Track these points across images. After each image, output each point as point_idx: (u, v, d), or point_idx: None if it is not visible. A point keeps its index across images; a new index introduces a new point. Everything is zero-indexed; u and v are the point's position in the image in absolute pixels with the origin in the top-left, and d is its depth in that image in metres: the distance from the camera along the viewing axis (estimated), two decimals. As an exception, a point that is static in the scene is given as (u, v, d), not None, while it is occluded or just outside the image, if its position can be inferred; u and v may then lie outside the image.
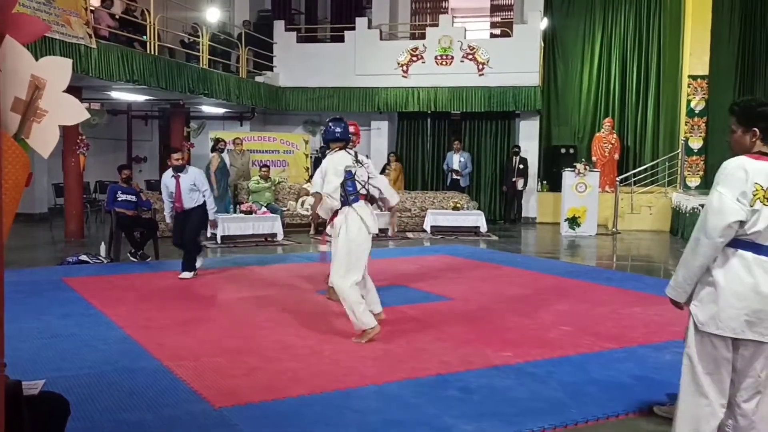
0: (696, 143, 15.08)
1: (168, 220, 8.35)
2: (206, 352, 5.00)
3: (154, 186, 15.37)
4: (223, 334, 5.55)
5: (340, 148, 5.63)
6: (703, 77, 15.02)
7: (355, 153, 5.68)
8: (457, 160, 15.08)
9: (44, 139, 2.11)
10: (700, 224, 2.96)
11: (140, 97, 13.59)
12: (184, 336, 5.46)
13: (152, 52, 11.58)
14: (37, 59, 2.09)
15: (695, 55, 14.99)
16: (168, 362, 4.73)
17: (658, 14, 15.81)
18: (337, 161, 5.51)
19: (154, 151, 17.44)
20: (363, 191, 5.56)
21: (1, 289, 1.67)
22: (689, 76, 15.06)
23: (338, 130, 5.65)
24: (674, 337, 5.24)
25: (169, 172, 8.15)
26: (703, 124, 15.06)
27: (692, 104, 15.06)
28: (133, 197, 9.45)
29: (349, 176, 5.44)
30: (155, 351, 5.01)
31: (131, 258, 9.31)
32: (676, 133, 15.46)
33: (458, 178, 15.02)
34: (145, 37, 11.84)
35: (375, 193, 5.93)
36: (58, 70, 2.15)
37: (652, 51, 15.90)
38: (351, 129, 6.00)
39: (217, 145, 12.79)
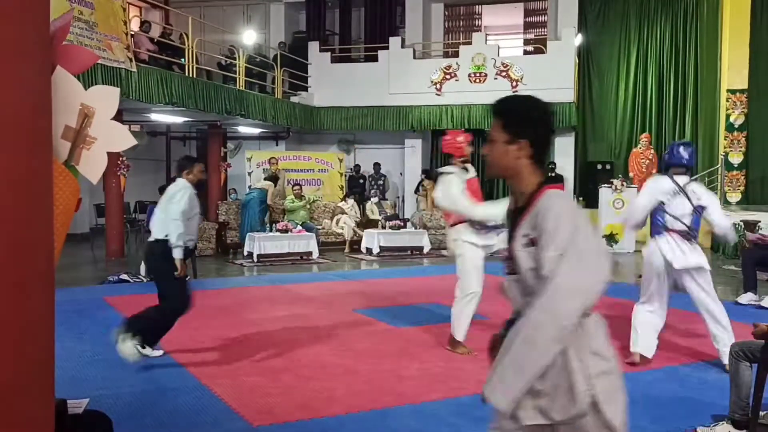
0: (736, 158, 14.81)
1: (178, 256, 5.26)
2: (244, 371, 5.05)
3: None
4: (260, 352, 5.60)
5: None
6: (742, 91, 14.78)
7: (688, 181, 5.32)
8: None
9: (93, 165, 2.18)
10: None
11: (179, 119, 13.86)
12: (222, 354, 5.53)
13: (190, 75, 11.83)
14: (81, 84, 2.18)
15: (734, 68, 14.77)
16: (207, 381, 4.80)
17: (695, 27, 15.63)
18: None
19: (192, 172, 17.68)
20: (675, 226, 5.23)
21: (51, 311, 1.73)
22: (728, 90, 14.83)
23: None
24: (718, 356, 5.14)
25: (190, 188, 5.50)
26: (743, 139, 14.80)
27: (731, 118, 14.82)
28: None
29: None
30: (194, 370, 5.08)
31: (170, 277, 9.43)
32: (715, 147, 15.21)
33: None
34: (183, 60, 12.10)
35: None
36: (106, 98, 2.23)
37: (689, 65, 15.71)
38: (461, 138, 5.87)
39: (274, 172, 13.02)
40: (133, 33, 10.83)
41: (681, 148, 5.29)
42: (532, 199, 2.02)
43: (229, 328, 6.48)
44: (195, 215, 5.53)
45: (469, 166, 5.82)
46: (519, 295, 2.07)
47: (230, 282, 9.47)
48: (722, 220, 5.29)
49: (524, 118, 2.11)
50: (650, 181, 5.61)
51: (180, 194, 5.35)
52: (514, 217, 2.09)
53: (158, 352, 5.47)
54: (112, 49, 9.70)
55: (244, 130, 15.76)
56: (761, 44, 15.04)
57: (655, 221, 5.25)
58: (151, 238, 5.53)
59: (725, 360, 4.70)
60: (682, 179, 5.21)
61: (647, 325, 5.26)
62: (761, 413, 3.80)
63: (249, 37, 15.22)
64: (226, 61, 14.37)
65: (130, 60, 10.07)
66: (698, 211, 5.17)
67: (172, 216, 5.28)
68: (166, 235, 5.30)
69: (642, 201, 5.32)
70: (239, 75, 13.59)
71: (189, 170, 5.55)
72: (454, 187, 5.50)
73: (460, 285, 5.71)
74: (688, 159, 5.24)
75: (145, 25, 12.55)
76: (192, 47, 12.00)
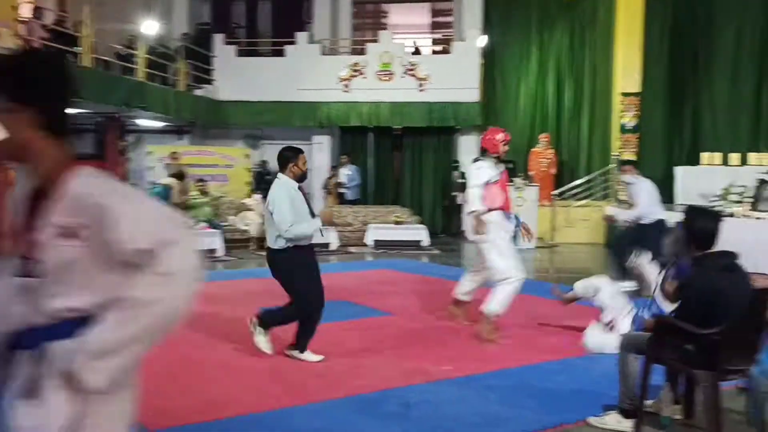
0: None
1: (311, 231, 5.15)
2: (140, 373, 4.86)
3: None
4: (159, 353, 5.38)
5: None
6: (635, 94, 15.54)
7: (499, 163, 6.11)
8: (344, 173, 15.09)
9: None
10: None
11: (74, 110, 13.19)
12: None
13: (86, 65, 11.31)
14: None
15: (627, 72, 15.50)
16: (101, 384, 4.59)
17: (592, 32, 16.29)
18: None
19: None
20: None
21: None
22: (622, 93, 15.56)
23: None
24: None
25: (291, 183, 5.20)
26: (636, 140, 15.56)
27: (625, 120, 15.55)
28: None
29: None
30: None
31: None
32: (608, 148, 15.92)
33: (344, 191, 15.05)
34: (79, 49, 11.56)
35: None
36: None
37: (586, 68, 16.36)
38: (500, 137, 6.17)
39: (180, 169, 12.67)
40: (24, 19, 10.25)
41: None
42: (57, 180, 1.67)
43: (127, 329, 6.23)
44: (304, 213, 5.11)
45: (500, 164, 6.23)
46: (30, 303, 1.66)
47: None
48: None
49: (29, 79, 1.69)
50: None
51: (279, 199, 4.99)
52: (31, 201, 1.71)
53: (318, 357, 5.22)
54: (0, 36, 9.15)
55: (144, 123, 15.20)
56: (653, 50, 15.84)
57: None
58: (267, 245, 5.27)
59: None
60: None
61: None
62: (648, 402, 4.00)
63: (150, 27, 14.68)
64: (125, 51, 13.83)
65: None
66: None
67: (282, 228, 4.95)
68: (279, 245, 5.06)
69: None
70: (139, 66, 13.11)
71: (294, 163, 5.18)
72: (473, 180, 5.96)
73: (502, 269, 5.88)
74: None
75: (38, 11, 11.88)
76: (88, 36, 11.47)
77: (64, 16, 12.05)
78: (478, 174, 6.01)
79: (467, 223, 6.64)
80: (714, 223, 3.75)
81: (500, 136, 6.15)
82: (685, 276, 3.85)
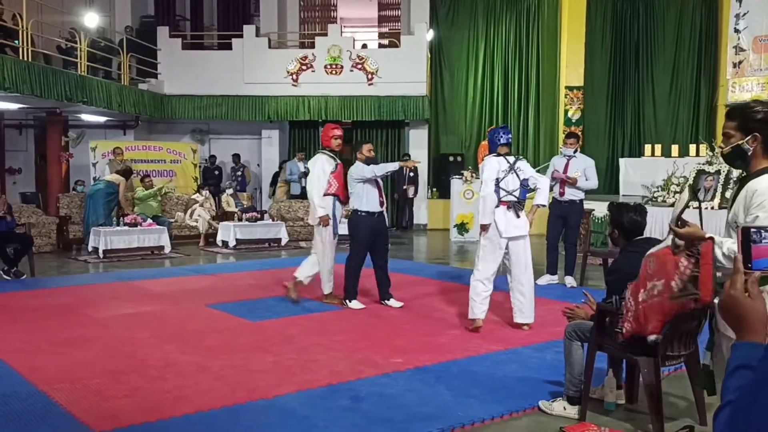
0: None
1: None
2: (84, 374, 4.76)
3: (30, 198, 14.54)
4: (103, 354, 5.31)
5: (498, 154, 6.08)
6: (579, 88, 15.84)
7: (515, 159, 6.08)
8: (291, 168, 14.93)
9: None
10: None
11: (13, 105, 12.81)
12: (60, 358, 5.18)
13: (25, 58, 10.96)
14: None
15: (571, 66, 15.81)
16: (43, 386, 4.47)
17: (537, 27, 16.52)
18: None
19: (29, 162, 16.48)
20: (507, 198, 5.94)
21: None
22: (566, 87, 15.85)
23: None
24: (555, 337, 5.48)
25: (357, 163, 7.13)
26: (580, 132, 15.85)
27: (569, 113, 15.85)
28: None
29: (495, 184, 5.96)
30: (29, 375, 4.73)
31: (4, 276, 8.74)
32: (555, 140, 16.20)
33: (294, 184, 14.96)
34: (17, 42, 11.19)
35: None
36: None
37: (532, 62, 16.60)
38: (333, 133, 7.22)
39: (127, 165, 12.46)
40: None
41: (502, 131, 6.20)
42: None
43: (69, 329, 6.09)
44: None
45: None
46: None
47: (71, 280, 8.90)
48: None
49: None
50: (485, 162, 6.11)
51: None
52: None
53: (360, 305, 6.91)
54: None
55: (87, 117, 14.81)
56: (595, 44, 16.21)
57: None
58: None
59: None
60: (511, 158, 6.09)
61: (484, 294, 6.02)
62: (592, 389, 4.10)
63: (91, 19, 14.29)
64: (66, 44, 13.44)
65: (-47, 40, 9.17)
66: (524, 184, 6.03)
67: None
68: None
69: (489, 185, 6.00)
70: (81, 59, 12.75)
71: (359, 150, 7.13)
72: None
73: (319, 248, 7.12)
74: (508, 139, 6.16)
75: (-29, 2, 11.48)
76: (26, 28, 11.11)
77: (0, 8, 11.63)
78: (322, 166, 7.04)
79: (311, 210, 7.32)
80: (641, 216, 4.05)
81: (332, 132, 7.20)
82: (613, 262, 4.07)
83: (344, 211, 7.60)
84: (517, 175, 6.01)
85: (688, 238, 3.02)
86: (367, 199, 6.94)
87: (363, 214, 6.95)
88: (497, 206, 5.92)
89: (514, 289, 6.05)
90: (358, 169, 6.98)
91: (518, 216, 5.98)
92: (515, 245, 5.98)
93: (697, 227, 2.94)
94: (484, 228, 5.97)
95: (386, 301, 7.08)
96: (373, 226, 6.98)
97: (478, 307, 5.96)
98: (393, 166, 7.18)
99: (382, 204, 7.04)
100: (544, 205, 6.38)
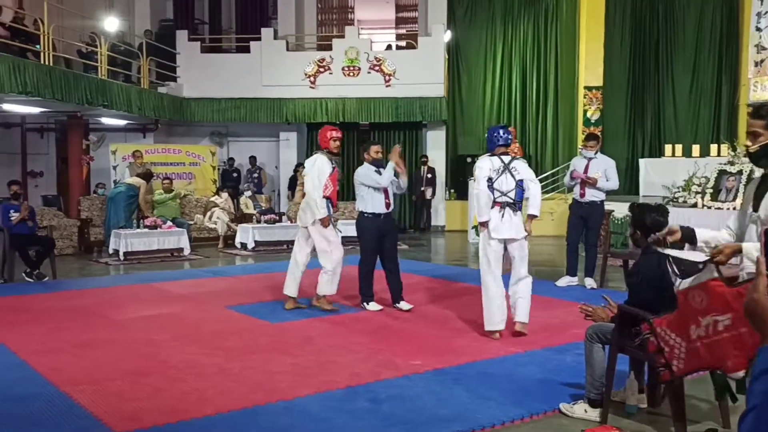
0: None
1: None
2: (106, 375, 4.80)
3: (51, 201, 14.69)
4: (124, 355, 5.35)
5: (493, 154, 5.97)
6: (597, 88, 15.74)
7: (511, 159, 5.94)
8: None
9: None
10: None
11: (34, 109, 12.98)
12: (81, 359, 5.23)
13: (46, 63, 11.09)
14: None
15: (590, 67, 15.71)
16: (65, 387, 4.52)
17: (555, 27, 16.46)
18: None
19: (51, 165, 16.67)
20: (501, 199, 5.82)
21: None
22: (585, 87, 15.76)
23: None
24: (575, 339, 5.44)
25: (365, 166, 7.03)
26: (599, 133, 15.75)
27: (588, 114, 15.75)
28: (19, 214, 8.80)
29: (488, 183, 5.84)
30: (51, 376, 4.78)
31: (26, 278, 8.85)
32: (574, 141, 16.11)
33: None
34: (38, 46, 11.32)
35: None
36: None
37: (550, 62, 16.53)
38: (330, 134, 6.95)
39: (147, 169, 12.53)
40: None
41: (502, 131, 6.02)
42: None
43: (90, 330, 6.14)
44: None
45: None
46: None
47: (92, 282, 8.98)
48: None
49: None
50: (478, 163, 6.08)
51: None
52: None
53: (377, 307, 6.93)
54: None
55: (108, 121, 14.97)
56: (614, 44, 16.10)
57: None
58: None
59: None
60: (506, 158, 5.93)
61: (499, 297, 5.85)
62: (614, 392, 4.06)
63: (111, 24, 14.43)
64: (87, 48, 13.58)
65: (-24, 45, 9.30)
66: (520, 185, 5.87)
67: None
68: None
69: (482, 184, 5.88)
70: (101, 63, 12.88)
71: (366, 151, 7.04)
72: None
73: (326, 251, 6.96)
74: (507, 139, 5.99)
75: (-6, 8, 11.62)
76: (48, 33, 11.25)
77: (22, 13, 11.78)
78: (321, 166, 6.83)
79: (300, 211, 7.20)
80: (663, 216, 3.95)
81: (330, 133, 6.93)
82: (634, 264, 4.01)
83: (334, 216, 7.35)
84: (513, 176, 5.84)
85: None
86: (372, 202, 6.90)
87: (369, 215, 6.93)
88: (491, 207, 5.80)
89: (510, 288, 5.99)
90: (365, 175, 6.89)
91: (513, 217, 5.84)
92: (511, 248, 5.90)
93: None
94: (484, 225, 5.88)
95: (397, 305, 7.03)
96: (379, 227, 6.93)
97: (495, 314, 5.79)
98: (390, 172, 6.87)
99: (388, 206, 6.96)
100: (537, 216, 6.06)
